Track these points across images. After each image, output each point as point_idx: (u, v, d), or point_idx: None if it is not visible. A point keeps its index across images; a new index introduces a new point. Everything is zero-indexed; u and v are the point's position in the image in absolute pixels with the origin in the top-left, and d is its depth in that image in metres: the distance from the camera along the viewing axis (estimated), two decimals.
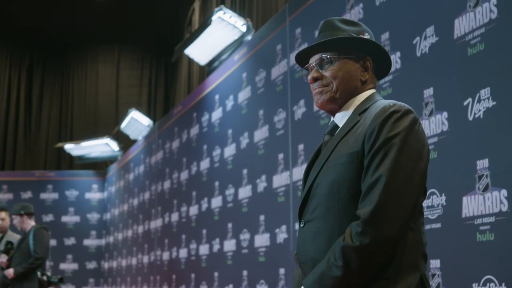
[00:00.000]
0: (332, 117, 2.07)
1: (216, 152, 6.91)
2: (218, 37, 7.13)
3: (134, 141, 11.41)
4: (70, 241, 12.92)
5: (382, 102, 1.90)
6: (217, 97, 7.08)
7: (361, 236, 1.72)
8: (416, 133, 1.82)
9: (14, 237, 7.32)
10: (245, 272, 5.92)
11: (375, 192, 1.74)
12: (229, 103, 6.66)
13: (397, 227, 1.73)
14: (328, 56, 2.01)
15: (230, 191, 6.42)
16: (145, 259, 9.75)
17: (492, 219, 2.98)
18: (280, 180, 5.33)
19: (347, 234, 1.75)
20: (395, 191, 1.74)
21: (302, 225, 1.94)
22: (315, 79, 2.03)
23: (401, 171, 1.76)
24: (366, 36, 2.01)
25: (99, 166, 14.05)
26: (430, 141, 3.43)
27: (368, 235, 1.72)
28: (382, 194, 1.73)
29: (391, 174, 1.74)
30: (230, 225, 6.36)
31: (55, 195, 13.07)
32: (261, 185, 5.69)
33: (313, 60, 2.04)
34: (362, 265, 1.73)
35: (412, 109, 1.87)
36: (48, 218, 12.90)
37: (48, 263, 12.61)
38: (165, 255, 8.64)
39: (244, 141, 6.16)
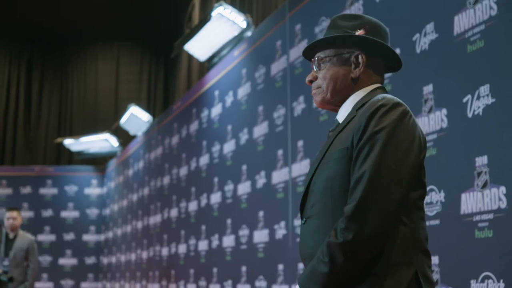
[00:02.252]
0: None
1: (216, 148, 6.92)
2: (217, 33, 7.12)
3: (134, 137, 11.42)
4: (69, 236, 12.93)
5: (376, 97, 1.88)
6: (216, 93, 7.08)
7: (345, 232, 1.72)
8: (406, 126, 1.80)
9: (27, 237, 7.40)
10: (244, 268, 5.93)
11: (358, 188, 1.74)
12: (229, 99, 6.67)
13: (381, 222, 1.71)
14: (321, 57, 2.01)
15: (229, 187, 6.43)
16: (144, 254, 9.76)
17: (490, 216, 2.99)
18: (279, 176, 5.34)
19: (333, 231, 1.76)
20: (378, 186, 1.72)
21: (303, 222, 1.95)
22: (311, 81, 2.05)
23: (385, 166, 1.74)
24: (363, 31, 1.97)
25: (98, 161, 14.05)
26: (429, 138, 3.43)
27: (351, 231, 1.71)
28: (364, 190, 1.72)
29: (374, 169, 1.73)
30: (229, 221, 6.37)
31: (54, 190, 13.08)
32: (260, 181, 5.69)
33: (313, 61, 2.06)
34: (347, 261, 1.72)
35: (402, 102, 1.84)
36: (47, 213, 12.92)
37: (48, 258, 12.63)
38: (164, 251, 8.65)
39: (244, 137, 6.16)
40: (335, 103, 2.01)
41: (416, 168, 1.81)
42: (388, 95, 1.87)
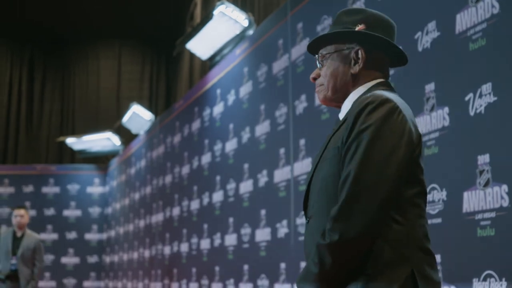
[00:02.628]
0: None
1: (218, 146, 6.92)
2: (219, 31, 7.12)
3: (136, 136, 11.42)
4: (71, 235, 12.94)
5: (366, 94, 1.84)
6: (218, 91, 7.09)
7: (331, 233, 1.71)
8: (394, 122, 1.76)
9: (34, 237, 7.42)
10: (246, 267, 5.94)
11: (344, 189, 1.72)
12: (231, 98, 6.67)
13: (366, 222, 1.69)
14: (323, 53, 1.99)
15: (231, 185, 6.43)
16: (147, 253, 9.77)
17: (492, 214, 2.99)
18: (281, 174, 5.34)
19: (322, 231, 1.75)
20: (363, 186, 1.70)
21: (306, 222, 1.94)
22: (314, 79, 2.03)
23: (370, 165, 1.71)
24: (364, 25, 1.94)
25: (100, 160, 14.06)
26: (431, 136, 3.43)
27: (337, 231, 1.70)
28: (349, 190, 1.71)
29: (359, 169, 1.71)
30: (231, 219, 6.37)
31: (56, 189, 13.08)
32: (262, 179, 5.69)
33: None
34: (335, 262, 1.71)
35: (391, 98, 1.80)
36: (50, 212, 12.93)
37: (50, 257, 12.64)
38: (166, 249, 8.65)
39: (246, 135, 6.16)
40: (337, 100, 1.99)
41: (407, 165, 1.76)
42: (378, 92, 1.83)
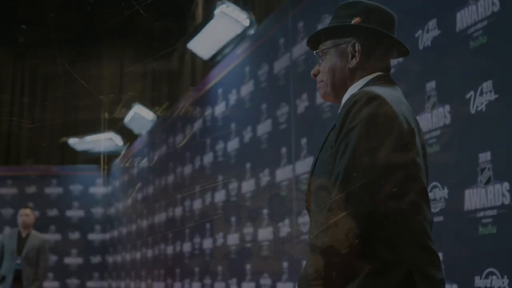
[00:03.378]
0: None
1: (220, 146, 6.92)
2: (221, 31, 7.12)
3: (138, 136, 11.43)
4: (74, 236, 12.95)
5: (355, 91, 1.81)
6: (220, 91, 7.09)
7: (321, 235, 1.69)
8: (382, 119, 1.71)
9: (39, 237, 7.43)
10: (248, 266, 5.94)
11: (333, 191, 1.70)
12: (232, 97, 6.67)
13: (355, 224, 1.65)
14: (321, 49, 1.97)
15: (233, 185, 6.43)
16: (149, 253, 9.77)
17: (494, 212, 2.99)
18: (283, 174, 5.34)
19: (315, 234, 1.73)
20: (351, 187, 1.67)
21: (310, 220, 1.93)
22: (315, 75, 2.00)
23: (357, 166, 1.68)
24: (359, 18, 1.91)
25: (103, 160, 14.06)
26: (432, 134, 3.43)
27: (327, 234, 1.68)
28: (337, 192, 1.69)
29: (346, 170, 1.68)
30: (233, 218, 6.38)
31: (59, 190, 13.09)
32: (264, 179, 5.69)
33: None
34: (328, 264, 1.69)
35: (379, 94, 1.75)
36: (53, 212, 12.93)
37: (53, 257, 12.66)
38: (169, 249, 8.66)
39: (247, 135, 6.16)
40: (337, 96, 1.95)
41: (396, 163, 1.71)
42: (367, 88, 1.80)
